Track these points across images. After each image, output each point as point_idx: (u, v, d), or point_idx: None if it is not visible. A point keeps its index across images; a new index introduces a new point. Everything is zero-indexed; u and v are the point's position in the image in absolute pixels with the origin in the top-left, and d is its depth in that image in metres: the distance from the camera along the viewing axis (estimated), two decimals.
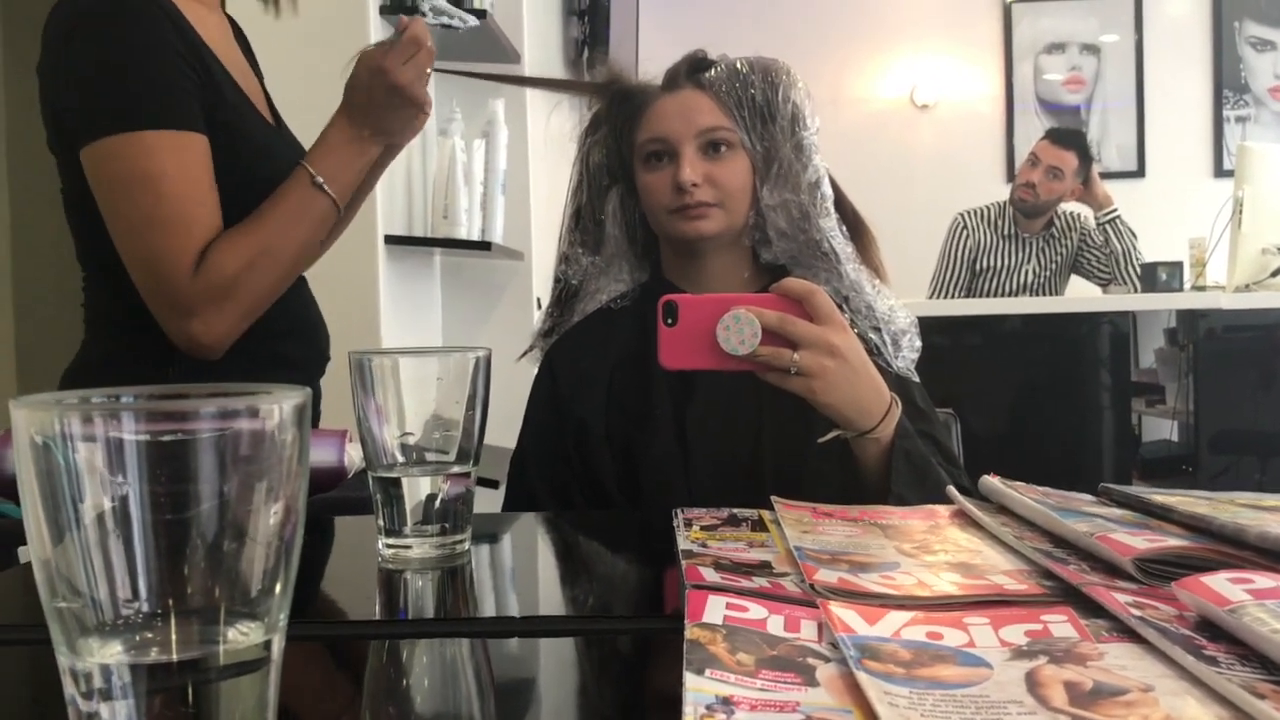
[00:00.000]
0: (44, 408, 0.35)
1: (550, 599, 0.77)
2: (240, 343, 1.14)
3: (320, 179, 1.15)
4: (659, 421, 1.14)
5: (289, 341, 1.17)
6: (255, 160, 1.15)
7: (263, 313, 1.16)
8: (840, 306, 1.01)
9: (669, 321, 0.90)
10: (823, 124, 1.20)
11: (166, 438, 0.35)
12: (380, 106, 1.18)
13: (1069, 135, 3.75)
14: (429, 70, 1.20)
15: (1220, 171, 5.05)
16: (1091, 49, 5.19)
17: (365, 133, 1.19)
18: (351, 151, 1.19)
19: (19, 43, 3.55)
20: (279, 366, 1.21)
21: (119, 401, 0.38)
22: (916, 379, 1.18)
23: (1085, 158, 3.64)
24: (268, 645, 0.38)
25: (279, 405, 0.37)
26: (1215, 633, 0.50)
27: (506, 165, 2.64)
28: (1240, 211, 3.22)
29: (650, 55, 1.33)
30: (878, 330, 1.14)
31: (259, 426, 0.37)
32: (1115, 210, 3.64)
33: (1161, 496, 0.73)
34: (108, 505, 0.35)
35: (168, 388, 0.40)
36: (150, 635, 0.36)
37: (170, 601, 0.36)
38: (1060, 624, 0.53)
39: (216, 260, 1.09)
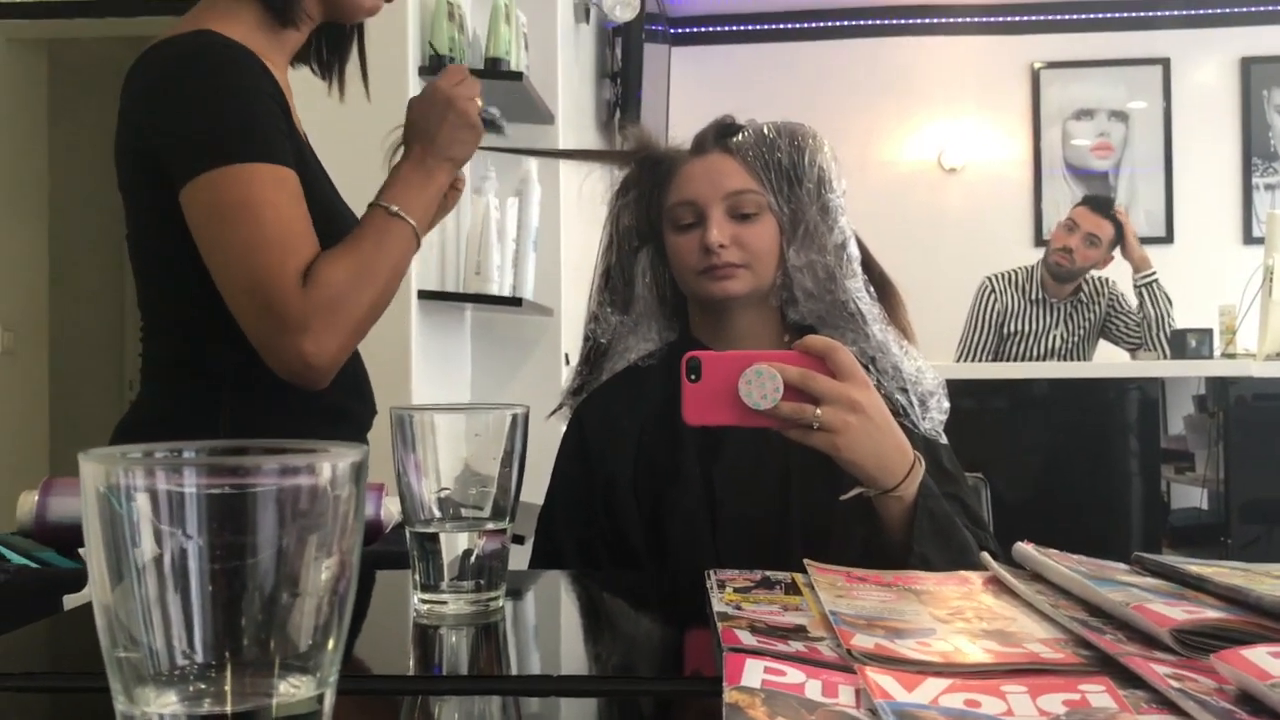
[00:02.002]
0: (110, 460, 0.37)
1: (583, 657, 0.77)
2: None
3: (395, 207, 1.18)
4: (686, 479, 1.14)
5: (343, 394, 1.18)
6: (324, 216, 1.18)
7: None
8: (867, 367, 1.01)
9: (692, 378, 0.91)
10: (851, 186, 1.21)
11: (225, 492, 0.36)
12: (437, 124, 1.22)
13: (1107, 204, 3.77)
14: (478, 98, 1.25)
15: (1249, 239, 5.05)
16: (1120, 115, 5.21)
17: (429, 160, 1.23)
18: (419, 177, 1.22)
19: (66, 93, 3.64)
20: (335, 419, 1.22)
21: (182, 456, 0.40)
22: (945, 441, 1.17)
23: (1119, 229, 3.65)
24: (320, 699, 0.38)
25: (336, 462, 0.38)
26: (1256, 706, 0.49)
27: (539, 223, 2.68)
28: (1270, 279, 3.21)
29: (680, 119, 1.36)
30: (905, 391, 1.14)
31: (316, 482, 0.38)
32: (1154, 274, 3.62)
33: (1196, 567, 0.72)
34: (168, 557, 0.36)
35: (228, 443, 0.41)
36: (205, 686, 0.37)
37: (226, 654, 0.37)
38: (1099, 694, 0.53)
39: (322, 273, 1.11)
